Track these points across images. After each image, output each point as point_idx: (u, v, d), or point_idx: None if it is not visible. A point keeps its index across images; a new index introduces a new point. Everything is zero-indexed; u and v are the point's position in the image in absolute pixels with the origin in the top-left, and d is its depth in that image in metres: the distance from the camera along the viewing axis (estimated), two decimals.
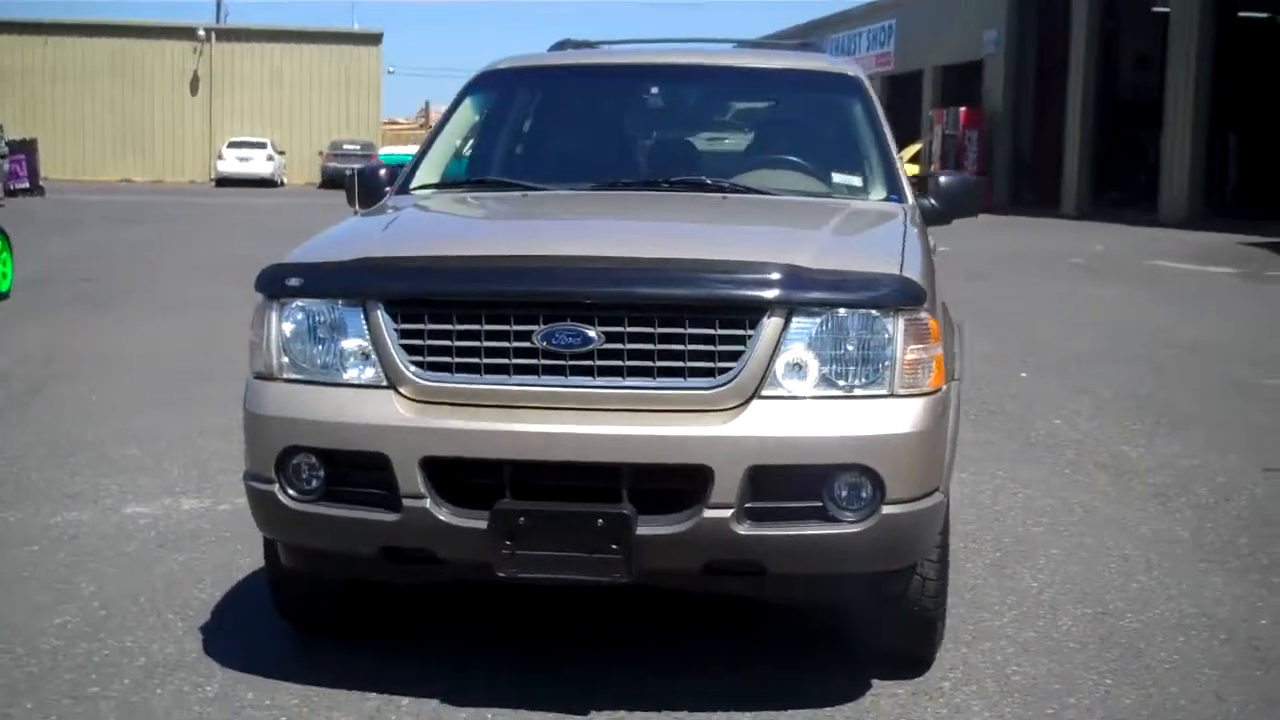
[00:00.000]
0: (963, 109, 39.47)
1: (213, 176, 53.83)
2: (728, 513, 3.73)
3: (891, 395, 3.84)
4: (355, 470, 3.92)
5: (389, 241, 4.21)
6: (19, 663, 4.36)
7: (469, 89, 5.70)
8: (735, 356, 3.79)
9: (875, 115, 5.43)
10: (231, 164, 52.27)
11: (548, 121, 5.72)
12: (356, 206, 5.21)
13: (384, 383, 3.93)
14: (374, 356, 3.94)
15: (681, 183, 5.05)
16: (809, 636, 4.71)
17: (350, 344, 3.98)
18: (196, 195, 43.74)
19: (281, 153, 54.78)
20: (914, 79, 46.35)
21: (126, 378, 9.82)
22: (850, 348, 3.84)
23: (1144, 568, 5.54)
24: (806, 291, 3.84)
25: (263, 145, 53.57)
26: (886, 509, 3.78)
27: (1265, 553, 5.79)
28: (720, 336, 3.80)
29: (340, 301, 4.00)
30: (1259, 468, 7.34)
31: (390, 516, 3.87)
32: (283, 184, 53.19)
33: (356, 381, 3.97)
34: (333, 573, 4.33)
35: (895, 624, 4.29)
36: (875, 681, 4.29)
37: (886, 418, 3.82)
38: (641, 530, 3.74)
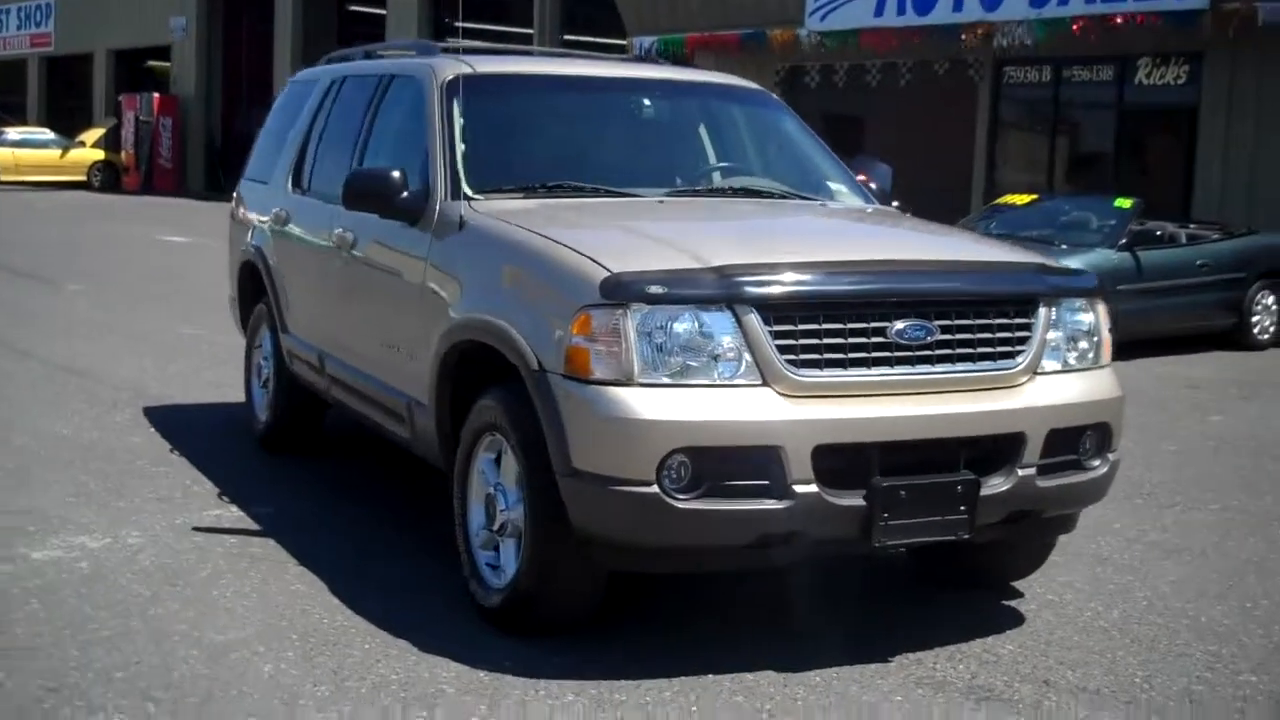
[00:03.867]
0: (156, 95, 38.52)
1: None
2: (1032, 470, 4.52)
3: (1100, 366, 4.83)
4: (741, 465, 4.15)
5: (719, 250, 4.38)
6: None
7: (449, 93, 5.49)
8: (1024, 341, 4.58)
9: (805, 126, 6.24)
10: None
11: (564, 129, 5.74)
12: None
13: (757, 381, 4.20)
14: (747, 356, 4.20)
15: (742, 190, 5.61)
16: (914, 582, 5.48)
17: (720, 346, 4.18)
18: None
19: None
20: (82, 61, 44.63)
21: None
22: (1077, 328, 4.77)
23: None
24: (1060, 284, 4.72)
25: None
26: (1112, 455, 4.77)
27: None
28: (1016, 325, 4.57)
29: (705, 307, 4.19)
30: None
31: (780, 505, 4.16)
32: None
33: (728, 382, 4.19)
34: (682, 568, 4.46)
35: (1024, 552, 5.22)
36: (1005, 603, 5.19)
37: (1109, 384, 4.83)
38: (983, 492, 4.41)
